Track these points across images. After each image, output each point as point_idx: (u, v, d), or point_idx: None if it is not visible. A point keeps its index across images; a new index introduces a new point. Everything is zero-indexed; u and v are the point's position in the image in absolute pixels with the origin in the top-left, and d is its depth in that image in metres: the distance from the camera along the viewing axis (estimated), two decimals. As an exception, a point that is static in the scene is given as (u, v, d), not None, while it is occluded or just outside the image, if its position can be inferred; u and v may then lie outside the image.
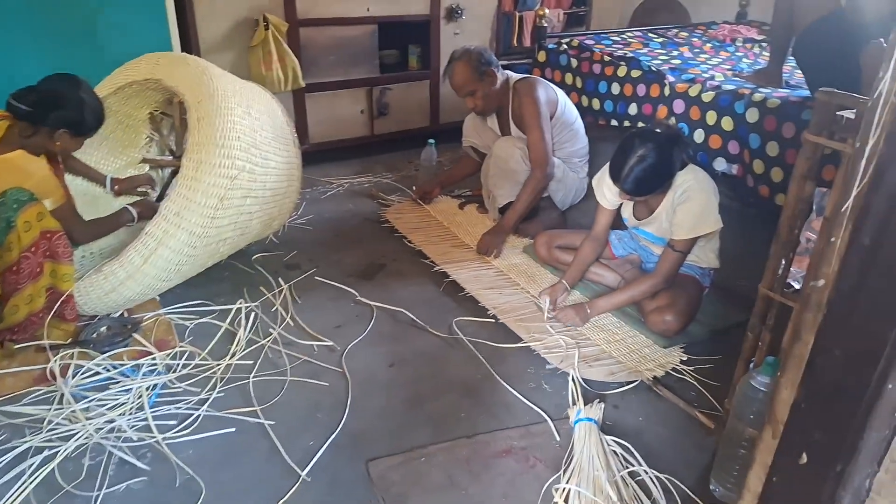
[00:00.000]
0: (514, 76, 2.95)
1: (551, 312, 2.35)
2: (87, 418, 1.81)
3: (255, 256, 2.75)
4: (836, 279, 0.59)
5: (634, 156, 2.05)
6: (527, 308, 2.41)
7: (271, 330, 2.26)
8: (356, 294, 2.49)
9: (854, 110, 1.30)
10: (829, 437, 0.62)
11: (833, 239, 0.60)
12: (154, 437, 1.77)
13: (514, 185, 2.89)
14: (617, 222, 2.47)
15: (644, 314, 2.29)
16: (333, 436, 1.80)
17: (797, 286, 1.58)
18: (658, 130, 2.08)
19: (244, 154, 2.17)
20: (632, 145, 2.06)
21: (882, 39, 2.27)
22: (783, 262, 1.48)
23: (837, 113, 1.35)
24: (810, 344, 0.61)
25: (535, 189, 2.84)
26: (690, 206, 2.14)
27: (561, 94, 2.96)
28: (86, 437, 1.75)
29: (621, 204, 2.40)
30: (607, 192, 2.34)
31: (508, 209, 2.89)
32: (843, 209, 0.58)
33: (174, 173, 2.81)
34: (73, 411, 1.83)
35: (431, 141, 3.63)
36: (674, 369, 2.11)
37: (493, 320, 2.33)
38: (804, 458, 0.63)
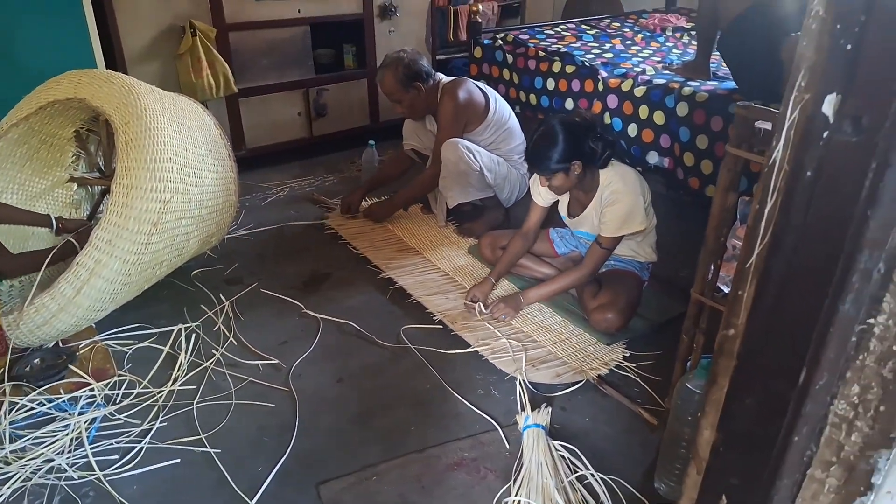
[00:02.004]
0: (445, 79, 2.96)
1: (485, 310, 2.39)
2: (24, 459, 1.76)
3: (194, 273, 2.69)
4: (744, 331, 0.62)
5: (540, 131, 2.15)
6: (475, 315, 2.42)
7: (214, 351, 2.22)
8: (301, 307, 2.47)
9: (770, 123, 1.35)
10: (745, 483, 0.65)
11: (740, 292, 0.62)
12: (95, 475, 1.73)
13: (465, 186, 2.91)
14: (561, 222, 2.52)
15: (587, 312, 2.33)
16: (282, 460, 1.78)
17: (727, 290, 1.63)
18: (576, 119, 2.17)
19: (177, 175, 2.12)
20: (542, 124, 2.17)
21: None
22: (712, 268, 1.53)
23: (756, 125, 1.39)
24: (725, 389, 0.64)
25: (424, 184, 3.01)
26: (616, 209, 2.20)
27: (492, 94, 2.98)
28: (23, 480, 1.71)
29: (557, 202, 2.44)
30: (541, 189, 2.39)
31: (405, 193, 3.05)
32: (747, 265, 0.61)
33: (105, 192, 2.74)
34: (7, 453, 1.78)
35: (371, 142, 3.62)
36: (617, 366, 2.14)
37: (441, 327, 2.34)
38: (724, 501, 0.66)
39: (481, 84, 3.00)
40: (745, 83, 2.62)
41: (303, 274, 2.73)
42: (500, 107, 2.98)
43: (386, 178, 3.31)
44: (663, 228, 2.44)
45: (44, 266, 2.13)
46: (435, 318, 2.39)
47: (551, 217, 2.54)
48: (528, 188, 2.62)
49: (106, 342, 2.24)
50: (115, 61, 3.16)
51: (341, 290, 2.61)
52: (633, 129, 2.96)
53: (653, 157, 2.89)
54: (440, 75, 2.99)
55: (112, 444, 1.84)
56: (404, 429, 1.91)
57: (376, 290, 2.61)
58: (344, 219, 3.16)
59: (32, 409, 1.93)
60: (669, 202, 3.05)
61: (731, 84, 2.80)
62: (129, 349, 2.22)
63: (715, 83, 2.86)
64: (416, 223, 3.14)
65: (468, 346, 2.24)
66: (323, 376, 2.12)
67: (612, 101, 3.02)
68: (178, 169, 2.14)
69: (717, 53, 2.98)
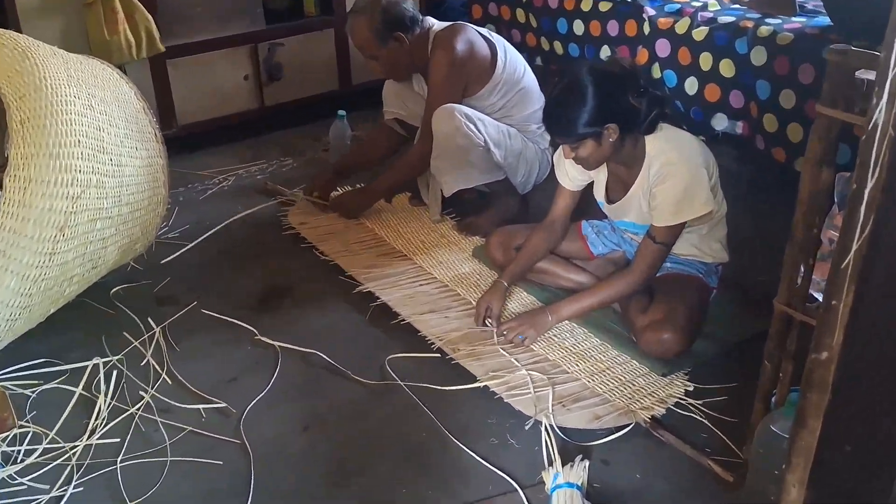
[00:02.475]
0: (438, 25, 2.97)
1: (495, 328, 2.41)
2: None
3: (114, 290, 2.70)
4: (840, 354, 0.61)
5: (563, 83, 2.15)
6: (483, 335, 2.42)
7: (142, 393, 2.22)
8: (254, 332, 2.47)
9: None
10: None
11: (834, 303, 0.62)
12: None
13: (465, 168, 2.92)
14: (598, 213, 2.55)
15: (635, 333, 2.32)
16: (234, 536, 1.79)
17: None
18: (611, 67, 2.17)
19: (89, 164, 2.12)
20: (565, 74, 2.17)
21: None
22: (801, 269, 1.52)
23: (856, 75, 1.38)
24: (817, 433, 0.64)
25: (411, 166, 3.05)
26: (670, 187, 2.19)
27: (501, 43, 2.99)
28: None
29: (591, 185, 2.45)
30: (569, 167, 2.40)
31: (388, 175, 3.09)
32: (842, 265, 0.60)
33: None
34: None
35: (342, 113, 3.64)
36: (677, 404, 2.14)
37: (439, 355, 2.34)
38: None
39: (485, 31, 3.00)
40: (843, 18, 2.62)
41: (256, 289, 2.72)
42: (512, 60, 2.98)
43: (363, 161, 3.31)
44: (737, 217, 2.44)
45: None
46: (431, 343, 2.39)
47: (585, 206, 2.55)
48: (552, 167, 2.63)
49: (1, 383, 2.23)
50: (5, 17, 3.16)
51: (306, 310, 2.60)
52: (691, 86, 2.96)
53: (720, 122, 2.89)
54: (430, 20, 3.00)
55: (10, 518, 1.83)
56: (393, 489, 1.89)
57: (352, 309, 2.60)
58: (308, 214, 3.17)
59: None
60: (745, 182, 3.04)
61: (825, 20, 2.78)
62: (33, 392, 2.21)
63: (802, 19, 2.84)
64: (402, 219, 3.13)
65: (474, 379, 2.24)
66: (284, 423, 2.11)
67: (663, 47, 3.02)
68: (91, 155, 2.14)
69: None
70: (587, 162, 2.25)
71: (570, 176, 2.42)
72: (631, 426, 2.07)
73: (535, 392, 2.18)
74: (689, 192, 2.18)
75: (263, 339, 2.45)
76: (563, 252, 2.62)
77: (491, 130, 2.89)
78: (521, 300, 2.62)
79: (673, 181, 2.19)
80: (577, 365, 2.30)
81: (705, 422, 2.08)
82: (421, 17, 2.96)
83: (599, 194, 2.45)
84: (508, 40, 3.07)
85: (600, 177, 2.42)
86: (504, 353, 2.33)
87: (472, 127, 2.84)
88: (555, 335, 2.42)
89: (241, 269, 2.87)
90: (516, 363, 2.29)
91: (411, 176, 3.11)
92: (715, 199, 2.25)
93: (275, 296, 2.70)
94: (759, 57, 2.75)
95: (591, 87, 2.11)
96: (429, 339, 2.41)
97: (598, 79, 2.12)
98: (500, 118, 2.96)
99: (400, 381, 2.25)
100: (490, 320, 2.43)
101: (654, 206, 2.24)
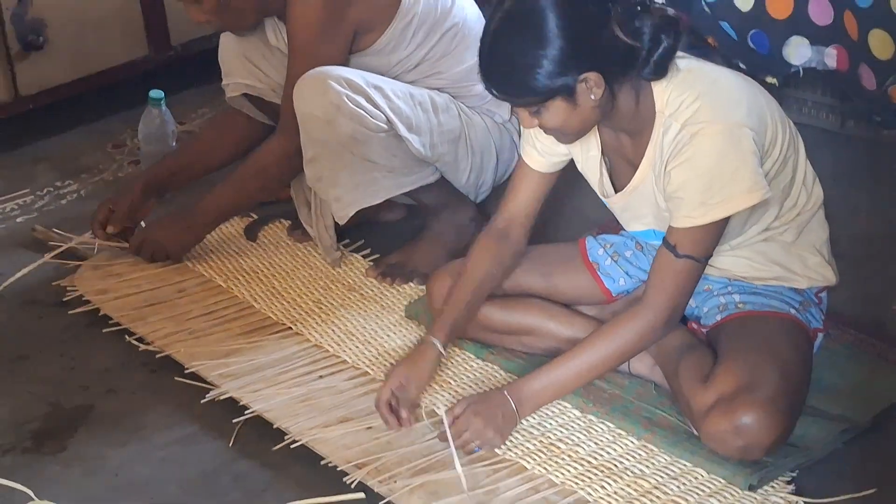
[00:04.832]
0: None
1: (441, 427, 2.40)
2: None
3: None
4: None
5: (503, 7, 2.15)
6: (432, 450, 2.40)
7: None
8: (29, 495, 2.40)
9: None
10: None
11: None
12: None
13: (362, 170, 2.94)
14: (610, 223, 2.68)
15: (695, 418, 2.30)
16: None
17: None
18: None
19: None
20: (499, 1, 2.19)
21: None
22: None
23: None
24: None
25: (266, 175, 3.08)
26: (694, 163, 2.18)
27: None
28: None
29: (569, 162, 2.52)
30: (537, 132, 2.41)
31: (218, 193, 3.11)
32: None
33: None
34: None
35: (156, 94, 3.68)
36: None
37: (363, 496, 2.32)
38: None
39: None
40: None
41: (27, 418, 2.69)
42: None
43: (196, 168, 3.37)
44: (843, 210, 2.40)
45: None
46: (348, 477, 2.35)
47: (588, 210, 2.53)
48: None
49: None
50: None
51: (120, 444, 2.57)
52: (743, -3, 2.94)
53: (802, 52, 2.87)
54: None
55: None
56: None
57: (203, 432, 2.59)
58: (111, 273, 3.18)
59: None
60: (844, 149, 3.08)
61: None
62: None
63: None
64: (278, 265, 3.20)
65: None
66: None
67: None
68: None
69: None
70: (561, 133, 2.26)
71: (539, 148, 2.45)
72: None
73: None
74: (724, 170, 2.17)
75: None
76: (559, 293, 2.64)
77: (399, 103, 2.92)
78: (483, 376, 2.64)
79: (699, 151, 2.17)
80: (604, 487, 2.28)
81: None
82: None
83: (595, 181, 2.49)
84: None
85: (591, 152, 2.45)
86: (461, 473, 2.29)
87: (360, 101, 2.84)
88: (560, 436, 2.42)
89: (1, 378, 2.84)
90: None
91: (265, 192, 3.16)
92: (786, 171, 2.29)
93: (63, 426, 2.65)
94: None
95: (543, 17, 2.09)
96: (342, 469, 2.37)
97: (554, 1, 2.10)
98: (419, 80, 3.04)
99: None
100: (401, 413, 2.43)
101: (670, 193, 2.24)
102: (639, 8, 2.13)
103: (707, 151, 2.14)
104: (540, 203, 2.52)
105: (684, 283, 2.25)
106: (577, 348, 2.35)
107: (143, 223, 3.24)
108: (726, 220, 2.20)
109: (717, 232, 2.21)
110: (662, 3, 2.19)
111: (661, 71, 2.17)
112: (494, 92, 2.19)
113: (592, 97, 2.13)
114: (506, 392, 2.36)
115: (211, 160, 3.31)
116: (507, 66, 2.13)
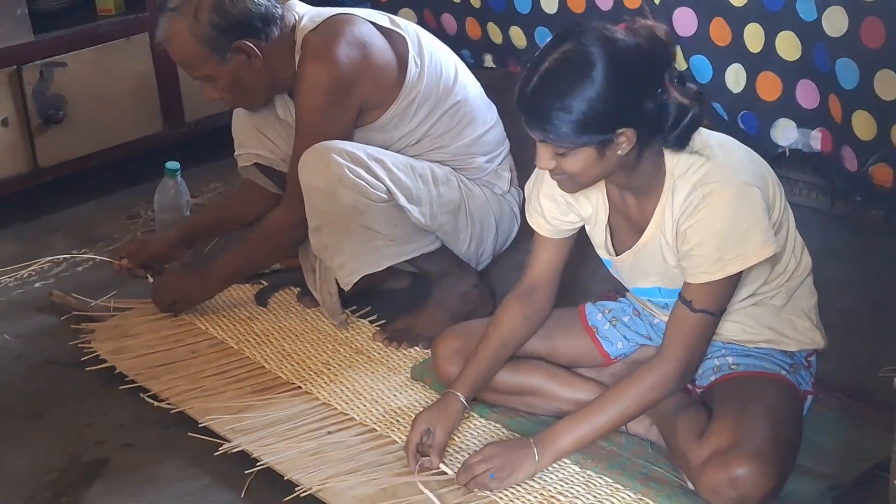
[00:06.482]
0: (308, 19, 2.98)
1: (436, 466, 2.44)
2: None
3: None
4: None
5: (557, 53, 2.13)
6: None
7: None
8: None
9: None
10: None
11: None
12: None
13: (365, 239, 2.94)
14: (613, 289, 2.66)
15: (691, 472, 2.30)
16: None
17: None
18: (631, 35, 2.16)
19: None
20: (564, 36, 2.17)
21: None
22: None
23: None
24: None
25: (272, 244, 3.13)
26: (709, 221, 2.19)
27: (413, 35, 3.05)
28: None
29: (581, 228, 2.50)
30: (543, 200, 2.45)
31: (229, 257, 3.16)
32: None
33: None
34: None
35: (172, 166, 3.63)
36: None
37: None
38: None
39: (388, 18, 3.05)
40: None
41: (44, 469, 2.67)
42: (434, 62, 3.04)
43: (239, 223, 3.43)
44: (828, 279, 2.46)
45: None
46: None
47: (587, 275, 2.52)
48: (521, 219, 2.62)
49: None
50: None
51: (137, 493, 2.57)
52: (735, 77, 3.00)
53: (788, 134, 2.92)
54: (298, 8, 3.03)
55: None
56: None
57: (217, 481, 2.58)
58: (125, 335, 3.16)
59: None
60: (833, 227, 3.09)
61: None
62: None
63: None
64: (288, 329, 3.17)
65: None
66: None
67: (686, 20, 3.06)
68: None
69: None
70: (572, 181, 2.25)
71: (547, 216, 2.46)
72: None
73: None
74: (739, 227, 2.18)
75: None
76: (560, 355, 2.63)
77: (400, 174, 2.93)
78: (487, 434, 2.62)
79: (713, 211, 2.19)
80: (600, 543, 2.25)
81: None
82: (282, 8, 2.97)
83: (599, 242, 2.49)
84: (436, 33, 3.17)
85: (599, 215, 2.45)
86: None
87: (361, 172, 2.86)
88: (559, 489, 2.41)
89: (18, 438, 2.83)
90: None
91: (272, 258, 3.22)
92: (780, 236, 2.29)
93: (80, 478, 2.64)
94: (836, 23, 2.77)
95: (603, 66, 2.10)
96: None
97: (616, 55, 2.11)
98: (422, 154, 3.05)
99: None
100: (431, 457, 2.43)
101: (686, 252, 2.24)
102: (678, 76, 2.17)
103: (721, 211, 2.16)
104: (562, 264, 2.52)
105: (700, 337, 2.26)
106: (597, 403, 2.35)
107: (167, 266, 3.27)
108: (739, 275, 2.22)
109: (731, 286, 2.24)
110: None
111: (685, 140, 2.20)
112: (533, 123, 2.14)
113: (620, 152, 2.14)
114: (532, 443, 2.36)
115: (226, 223, 3.35)
116: (557, 104, 2.09)
